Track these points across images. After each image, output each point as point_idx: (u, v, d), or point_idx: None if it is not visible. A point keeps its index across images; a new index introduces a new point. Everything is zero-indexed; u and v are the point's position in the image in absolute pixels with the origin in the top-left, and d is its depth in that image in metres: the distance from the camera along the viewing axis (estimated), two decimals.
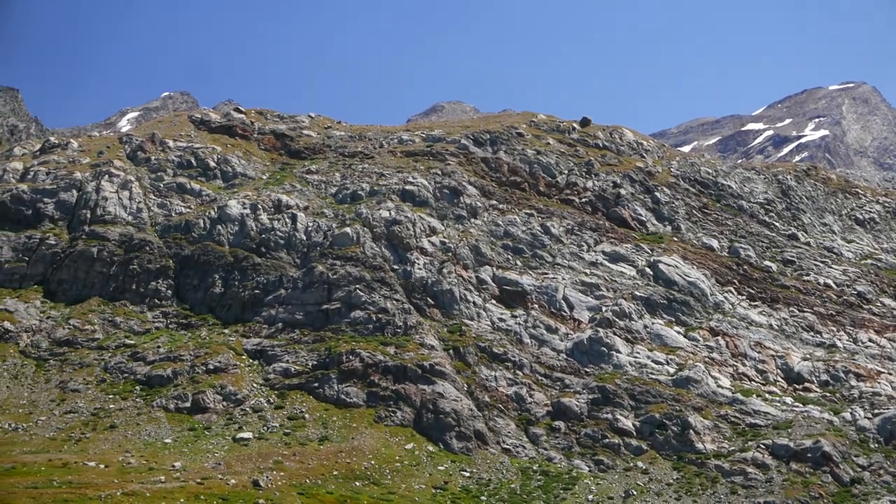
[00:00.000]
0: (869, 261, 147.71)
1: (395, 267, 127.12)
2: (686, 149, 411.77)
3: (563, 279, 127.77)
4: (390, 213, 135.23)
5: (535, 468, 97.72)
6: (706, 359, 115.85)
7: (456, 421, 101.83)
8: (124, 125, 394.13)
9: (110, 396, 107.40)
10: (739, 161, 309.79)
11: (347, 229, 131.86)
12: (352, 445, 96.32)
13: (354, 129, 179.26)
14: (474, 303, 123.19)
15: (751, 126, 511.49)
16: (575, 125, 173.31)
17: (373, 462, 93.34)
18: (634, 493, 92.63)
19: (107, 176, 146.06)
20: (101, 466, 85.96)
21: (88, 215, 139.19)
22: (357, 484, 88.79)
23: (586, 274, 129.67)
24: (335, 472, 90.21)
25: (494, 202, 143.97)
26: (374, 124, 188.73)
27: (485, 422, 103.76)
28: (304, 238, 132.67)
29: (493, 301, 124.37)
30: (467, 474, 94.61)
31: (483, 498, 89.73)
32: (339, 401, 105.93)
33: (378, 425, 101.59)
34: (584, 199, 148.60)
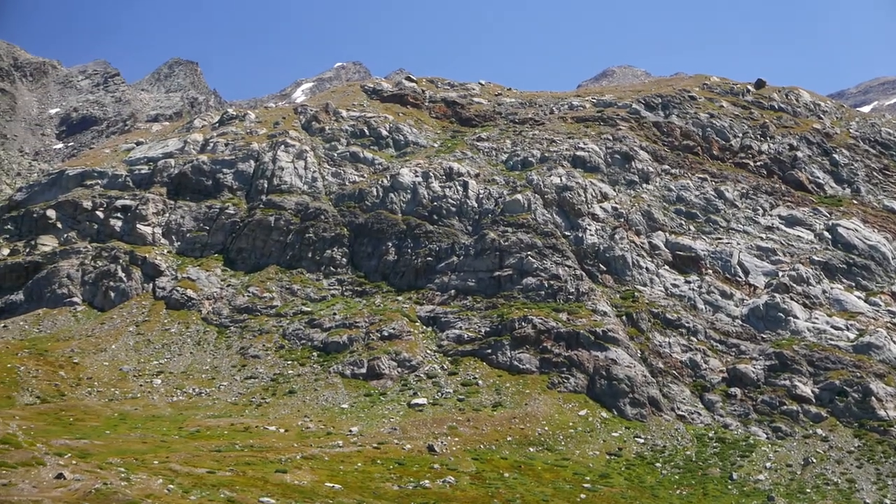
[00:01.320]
0: None
1: (567, 233, 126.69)
2: (866, 109, 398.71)
3: (738, 244, 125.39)
4: (561, 180, 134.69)
5: (710, 435, 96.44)
6: (888, 324, 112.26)
7: (629, 387, 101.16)
8: (299, 96, 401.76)
9: (289, 362, 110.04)
10: None
11: (518, 196, 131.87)
12: (525, 411, 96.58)
13: (524, 95, 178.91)
14: (647, 268, 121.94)
15: None
16: (749, 87, 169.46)
17: (546, 428, 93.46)
18: (814, 460, 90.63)
19: (283, 146, 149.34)
20: (281, 431, 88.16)
21: (266, 185, 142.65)
22: (531, 450, 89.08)
23: (762, 238, 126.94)
24: (509, 438, 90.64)
25: (667, 167, 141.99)
26: (544, 90, 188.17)
27: (659, 388, 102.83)
28: (476, 205, 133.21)
29: (666, 267, 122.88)
30: (641, 441, 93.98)
31: (658, 465, 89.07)
32: (511, 367, 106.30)
33: (551, 391, 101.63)
34: (758, 163, 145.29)
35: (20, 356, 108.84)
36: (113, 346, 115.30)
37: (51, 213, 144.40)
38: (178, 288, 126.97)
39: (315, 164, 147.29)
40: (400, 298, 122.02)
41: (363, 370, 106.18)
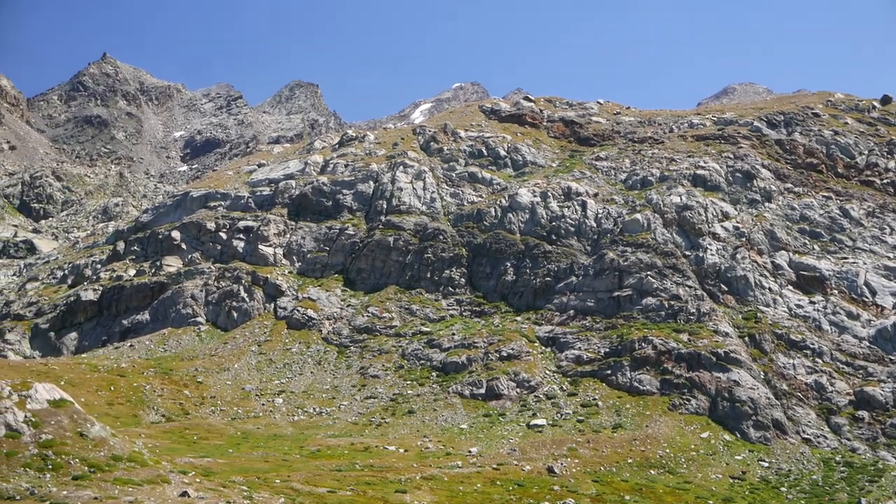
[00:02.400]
0: None
1: (687, 253, 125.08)
2: None
3: (864, 264, 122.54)
4: (681, 199, 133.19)
5: (837, 459, 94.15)
6: None
7: (753, 409, 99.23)
8: (417, 117, 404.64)
9: (408, 382, 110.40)
10: None
11: (638, 215, 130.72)
12: (646, 433, 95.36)
13: (643, 114, 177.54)
14: (770, 289, 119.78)
15: None
16: (875, 103, 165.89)
17: (667, 450, 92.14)
18: None
19: (402, 167, 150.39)
20: (401, 451, 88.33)
21: (385, 205, 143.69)
22: (652, 472, 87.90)
23: (889, 258, 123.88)
24: (629, 460, 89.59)
25: (789, 185, 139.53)
26: (663, 109, 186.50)
27: (783, 410, 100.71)
28: (594, 225, 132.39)
29: (790, 287, 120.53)
30: (766, 464, 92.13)
31: (783, 489, 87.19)
32: (631, 388, 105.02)
33: (672, 413, 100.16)
34: (885, 181, 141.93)
35: (146, 375, 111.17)
36: (236, 366, 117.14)
37: (175, 234, 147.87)
38: (299, 308, 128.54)
39: (433, 184, 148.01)
40: (518, 318, 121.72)
41: (482, 390, 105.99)
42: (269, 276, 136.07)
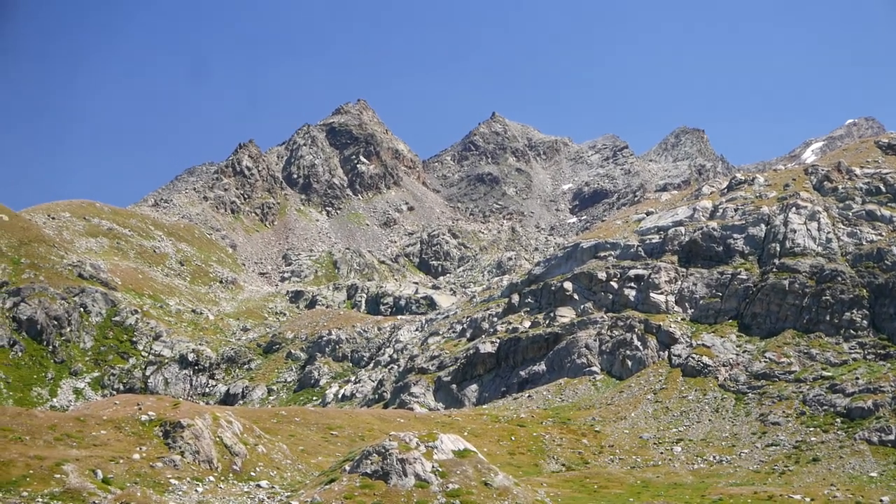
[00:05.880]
0: None
1: None
2: None
3: None
4: None
5: None
6: None
7: None
8: (808, 156, 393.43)
9: (810, 429, 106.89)
10: None
11: None
12: None
13: None
14: None
15: None
16: None
17: None
18: None
19: (794, 208, 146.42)
20: (807, 500, 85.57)
21: (777, 248, 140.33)
22: None
23: None
24: None
25: None
26: None
27: None
28: None
29: None
30: None
31: None
32: None
33: None
34: None
35: (545, 425, 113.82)
36: (632, 414, 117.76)
37: (567, 285, 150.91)
38: (694, 355, 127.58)
39: (828, 224, 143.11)
40: None
41: (891, 437, 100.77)
42: (661, 323, 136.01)
